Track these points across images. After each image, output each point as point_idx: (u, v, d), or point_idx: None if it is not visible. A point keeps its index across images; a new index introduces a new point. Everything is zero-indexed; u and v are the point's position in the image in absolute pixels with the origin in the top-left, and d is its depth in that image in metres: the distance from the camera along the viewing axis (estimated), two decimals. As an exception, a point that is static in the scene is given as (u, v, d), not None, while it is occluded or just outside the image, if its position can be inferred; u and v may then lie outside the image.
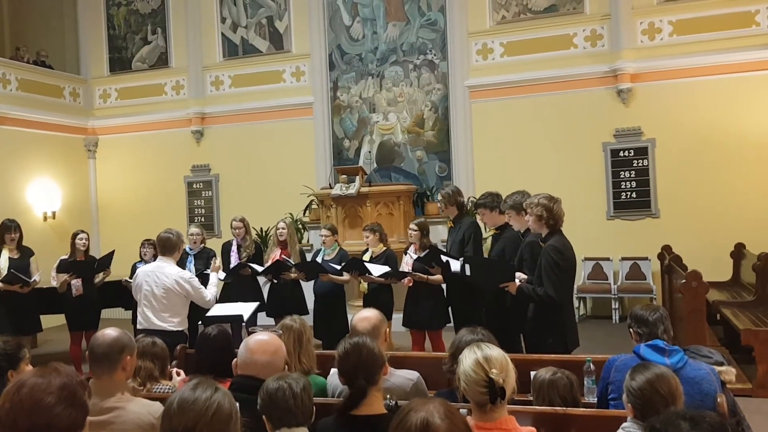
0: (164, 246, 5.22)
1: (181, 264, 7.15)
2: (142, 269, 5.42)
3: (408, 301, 6.44)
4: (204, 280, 7.02)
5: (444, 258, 5.80)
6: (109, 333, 2.79)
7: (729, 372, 3.28)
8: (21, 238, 7.20)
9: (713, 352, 3.55)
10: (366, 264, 6.45)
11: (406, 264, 6.39)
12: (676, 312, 6.98)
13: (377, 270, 6.37)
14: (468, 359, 2.39)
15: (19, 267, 6.95)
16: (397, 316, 6.60)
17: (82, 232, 7.46)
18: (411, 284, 6.31)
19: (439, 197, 6.34)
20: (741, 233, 8.69)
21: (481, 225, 6.29)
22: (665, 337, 3.21)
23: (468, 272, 5.23)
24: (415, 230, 6.41)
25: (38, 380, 1.80)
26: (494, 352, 2.42)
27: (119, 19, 12.41)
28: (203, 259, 7.30)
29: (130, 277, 7.47)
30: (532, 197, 4.73)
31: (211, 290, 5.46)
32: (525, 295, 4.64)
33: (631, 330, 3.37)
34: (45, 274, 7.39)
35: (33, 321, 7.23)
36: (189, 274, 5.30)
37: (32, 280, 6.97)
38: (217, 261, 6.12)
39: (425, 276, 6.10)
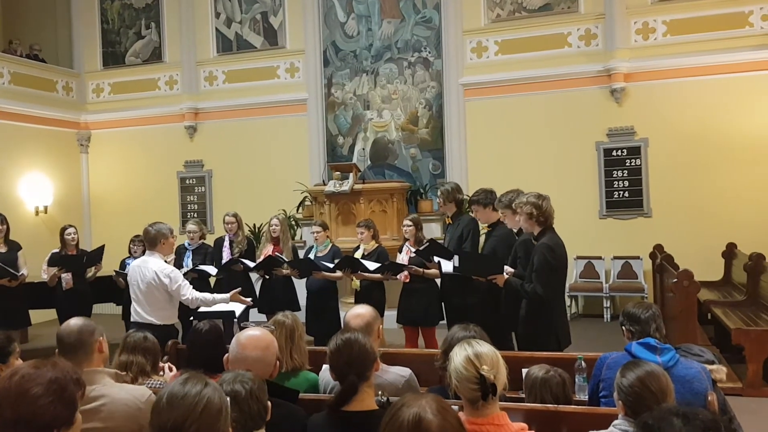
0: (146, 240, 5.31)
1: (179, 258, 7.18)
2: (132, 263, 5.46)
3: (402, 296, 6.44)
4: (201, 276, 7.06)
5: (436, 258, 5.80)
6: (74, 321, 2.81)
7: (720, 371, 3.29)
8: (8, 232, 7.17)
9: (704, 351, 3.56)
10: (362, 261, 6.44)
11: (402, 261, 6.38)
12: (668, 311, 7.00)
13: (373, 266, 6.36)
14: (459, 356, 2.39)
15: (7, 260, 6.93)
16: (390, 313, 6.59)
17: (71, 226, 7.47)
18: (407, 280, 6.30)
19: (439, 193, 6.35)
20: (732, 233, 8.73)
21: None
22: (657, 335, 3.21)
23: (456, 263, 5.24)
24: (410, 225, 6.42)
25: (31, 371, 1.82)
26: (485, 348, 2.42)
27: (113, 14, 12.34)
28: (201, 255, 7.37)
29: (118, 271, 7.49)
30: (521, 197, 4.74)
31: (203, 294, 5.27)
32: (513, 289, 4.66)
33: (623, 328, 3.36)
34: (35, 269, 7.36)
35: (22, 315, 7.22)
36: (170, 268, 5.20)
37: (20, 273, 6.94)
38: (246, 301, 5.66)
39: (421, 270, 6.10)
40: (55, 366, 1.87)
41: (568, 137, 9.71)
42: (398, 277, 6.35)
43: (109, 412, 2.56)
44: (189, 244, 7.39)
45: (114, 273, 7.46)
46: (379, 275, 6.42)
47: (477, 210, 5.68)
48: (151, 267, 5.12)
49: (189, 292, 5.14)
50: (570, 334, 4.78)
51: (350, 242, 7.66)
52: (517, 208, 4.72)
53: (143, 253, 7.18)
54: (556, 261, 4.49)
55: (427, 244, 6.09)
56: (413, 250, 6.27)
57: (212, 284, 7.36)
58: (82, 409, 2.11)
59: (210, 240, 8.10)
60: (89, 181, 12.35)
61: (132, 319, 5.22)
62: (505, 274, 4.79)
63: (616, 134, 9.60)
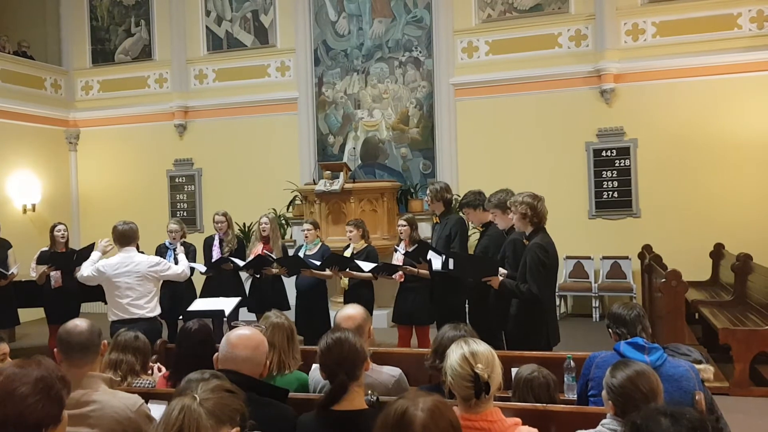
0: (126, 236, 5.31)
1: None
2: (107, 263, 5.26)
3: (398, 296, 6.45)
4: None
5: (429, 256, 5.80)
6: (81, 323, 2.79)
7: (707, 370, 3.31)
8: (-1, 231, 7.12)
9: (692, 351, 3.59)
10: (357, 261, 6.43)
11: (397, 261, 6.39)
12: (656, 311, 7.05)
13: (367, 266, 6.35)
14: (455, 354, 2.41)
15: (-2, 259, 6.87)
16: (378, 313, 6.60)
17: (60, 224, 7.41)
18: (402, 279, 6.31)
19: (428, 192, 6.37)
20: (720, 234, 8.79)
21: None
22: (643, 335, 3.22)
23: (451, 266, 5.24)
24: (405, 225, 6.43)
25: (16, 370, 1.80)
26: (481, 347, 2.43)
27: (102, 11, 12.26)
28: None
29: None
30: (516, 195, 4.76)
31: (181, 265, 5.92)
32: (507, 291, 4.66)
33: (610, 330, 3.35)
34: (23, 267, 7.31)
35: (11, 314, 7.16)
36: (157, 259, 5.52)
37: (10, 272, 6.89)
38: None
39: (416, 269, 6.10)
40: (40, 364, 1.85)
41: (558, 137, 9.74)
42: (393, 277, 6.37)
43: (98, 418, 2.54)
44: (170, 243, 7.31)
45: None
46: (371, 275, 6.42)
47: (468, 212, 5.71)
48: (139, 261, 5.28)
49: (175, 267, 5.68)
50: (559, 333, 4.80)
51: (340, 241, 7.65)
52: (511, 206, 4.74)
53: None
54: (549, 261, 4.51)
55: (416, 246, 6.11)
56: (403, 252, 6.28)
57: (201, 283, 7.34)
58: (72, 413, 2.09)
59: (199, 239, 8.07)
60: (78, 179, 12.27)
61: (112, 318, 5.17)
62: (499, 275, 4.79)
63: (606, 135, 9.64)
